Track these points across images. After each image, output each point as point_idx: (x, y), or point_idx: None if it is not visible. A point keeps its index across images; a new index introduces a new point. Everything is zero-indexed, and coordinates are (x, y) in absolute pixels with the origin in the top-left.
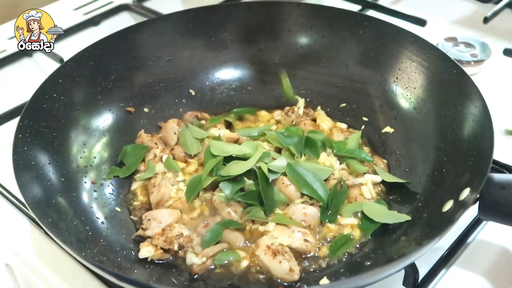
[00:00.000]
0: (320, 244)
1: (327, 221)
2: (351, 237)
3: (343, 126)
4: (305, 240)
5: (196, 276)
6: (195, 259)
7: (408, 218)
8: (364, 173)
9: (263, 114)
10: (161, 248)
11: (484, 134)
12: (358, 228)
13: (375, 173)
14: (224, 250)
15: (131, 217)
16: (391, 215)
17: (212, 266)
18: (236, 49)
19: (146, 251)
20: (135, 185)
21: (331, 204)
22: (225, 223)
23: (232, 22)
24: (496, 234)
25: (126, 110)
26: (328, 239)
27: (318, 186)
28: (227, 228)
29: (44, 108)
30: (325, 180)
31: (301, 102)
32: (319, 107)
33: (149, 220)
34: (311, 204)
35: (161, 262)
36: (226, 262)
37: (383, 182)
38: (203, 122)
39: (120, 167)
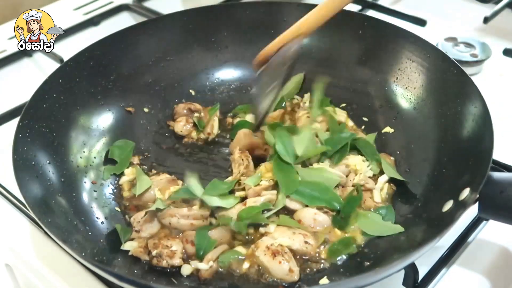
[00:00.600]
0: (322, 246)
1: (338, 227)
2: (354, 240)
3: (350, 124)
4: (306, 242)
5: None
6: (200, 265)
7: (402, 229)
8: (375, 175)
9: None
10: (144, 247)
11: (484, 134)
12: (360, 233)
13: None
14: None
15: (126, 216)
16: (385, 227)
17: (220, 269)
18: (236, 49)
19: (130, 244)
20: (123, 180)
21: (343, 211)
22: (205, 227)
23: (232, 22)
24: (496, 233)
25: (126, 110)
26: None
27: (330, 198)
28: (211, 230)
29: (44, 108)
30: (342, 187)
31: (307, 96)
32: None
33: (139, 222)
34: (325, 212)
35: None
36: (229, 262)
37: (394, 182)
38: (197, 114)
39: (113, 165)
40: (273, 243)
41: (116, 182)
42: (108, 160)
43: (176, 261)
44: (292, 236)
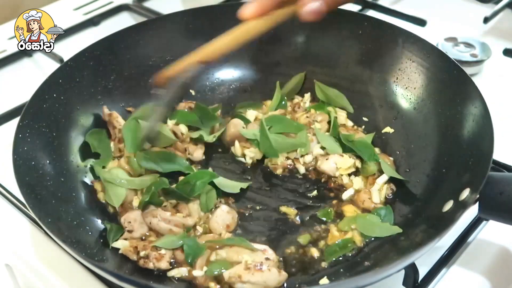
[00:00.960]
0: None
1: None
2: (353, 242)
3: (350, 123)
4: (267, 259)
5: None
6: (195, 272)
7: (399, 230)
8: (374, 174)
9: (269, 103)
10: (135, 247)
11: (484, 134)
12: (359, 234)
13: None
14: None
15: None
16: (383, 228)
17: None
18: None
19: (121, 243)
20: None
21: None
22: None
23: (232, 22)
24: (496, 233)
25: (126, 110)
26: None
27: None
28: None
29: (44, 108)
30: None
31: (307, 96)
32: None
33: (130, 222)
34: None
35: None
36: (217, 272)
37: (394, 182)
38: None
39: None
40: (247, 260)
41: None
42: (90, 155)
43: (163, 264)
44: (252, 254)
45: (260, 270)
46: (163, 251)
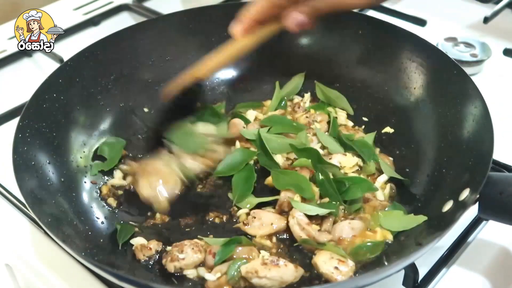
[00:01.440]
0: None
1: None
2: (387, 241)
3: (350, 124)
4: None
5: None
6: (207, 275)
7: (425, 218)
8: (374, 173)
9: (269, 103)
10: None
11: (484, 134)
12: (389, 232)
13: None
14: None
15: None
16: (409, 220)
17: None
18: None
19: (138, 240)
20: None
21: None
22: (235, 240)
23: (232, 22)
24: (496, 233)
25: (126, 110)
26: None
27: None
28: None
29: (44, 108)
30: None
31: (307, 96)
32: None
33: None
34: (352, 219)
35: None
36: (239, 274)
37: (394, 182)
38: None
39: (102, 162)
40: (264, 256)
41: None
42: (98, 157)
43: (189, 271)
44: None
45: (277, 266)
46: (184, 259)
